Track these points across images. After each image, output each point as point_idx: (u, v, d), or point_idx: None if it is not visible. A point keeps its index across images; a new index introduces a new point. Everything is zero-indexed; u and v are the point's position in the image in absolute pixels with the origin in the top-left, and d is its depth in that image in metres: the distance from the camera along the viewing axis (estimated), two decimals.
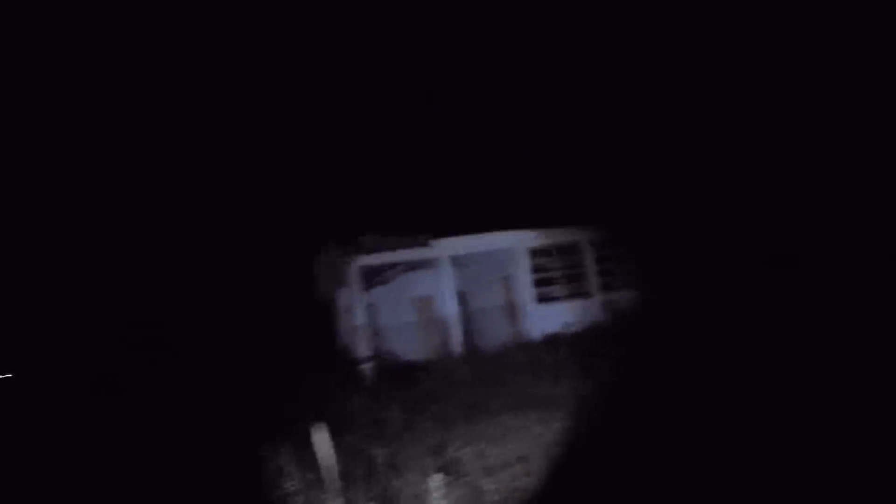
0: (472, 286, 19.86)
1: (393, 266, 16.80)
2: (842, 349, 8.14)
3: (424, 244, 15.49)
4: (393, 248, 15.05)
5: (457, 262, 17.42)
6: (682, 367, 9.19)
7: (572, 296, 16.91)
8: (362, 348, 14.67)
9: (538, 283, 16.74)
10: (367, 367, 14.43)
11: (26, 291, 21.58)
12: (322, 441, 7.08)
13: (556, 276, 17.11)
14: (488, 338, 18.27)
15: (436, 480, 6.36)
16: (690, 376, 8.62)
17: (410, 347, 18.23)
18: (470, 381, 12.26)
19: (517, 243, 16.52)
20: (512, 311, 17.57)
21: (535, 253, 16.83)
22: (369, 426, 10.16)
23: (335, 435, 9.76)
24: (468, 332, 19.39)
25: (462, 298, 19.54)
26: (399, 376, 13.74)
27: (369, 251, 14.83)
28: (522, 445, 7.76)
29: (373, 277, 17.33)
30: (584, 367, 10.80)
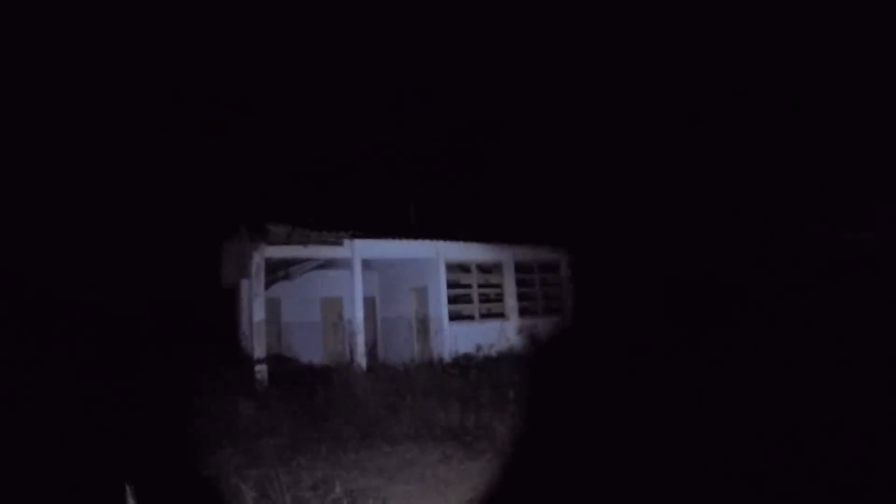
0: (384, 294, 18.81)
1: (302, 262, 15.56)
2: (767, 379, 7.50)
3: (337, 242, 14.30)
4: (303, 243, 13.79)
5: (370, 266, 16.32)
6: (597, 403, 8.40)
7: (488, 316, 16.03)
8: (258, 348, 13.35)
9: (454, 300, 15.78)
10: (260, 370, 13.13)
11: None
12: None
13: (472, 293, 16.21)
14: (396, 350, 17.26)
15: None
16: (606, 412, 7.82)
17: (313, 350, 17.04)
18: (370, 398, 11.15)
19: (436, 254, 15.51)
20: (424, 325, 16.58)
21: (454, 267, 15.87)
22: (248, 441, 9.00)
23: (206, 450, 8.66)
24: (375, 342, 18.30)
25: (372, 306, 18.46)
26: (296, 382, 12.57)
27: (277, 242, 13.53)
28: (421, 487, 6.72)
29: (278, 271, 16.04)
30: (493, 396, 9.83)
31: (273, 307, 17.83)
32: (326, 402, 11.09)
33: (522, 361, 12.93)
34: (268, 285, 16.96)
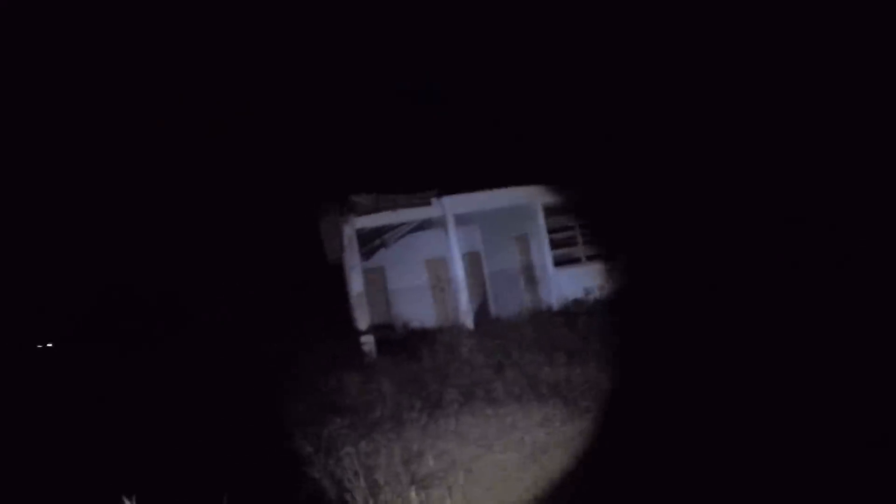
0: (489, 247, 18.29)
1: (396, 227, 15.23)
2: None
3: (426, 202, 13.82)
4: (391, 208, 13.41)
5: (466, 220, 15.79)
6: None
7: (594, 258, 15.17)
8: (362, 319, 13.18)
9: (556, 245, 15.01)
10: (367, 340, 12.97)
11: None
12: None
13: (575, 236, 15.37)
14: (506, 303, 16.75)
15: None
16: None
17: (422, 313, 16.77)
18: (475, 359, 10.74)
19: (531, 200, 14.75)
20: (529, 274, 15.96)
21: (552, 211, 15.06)
22: (352, 414, 8.80)
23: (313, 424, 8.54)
24: (481, 298, 17.87)
25: (475, 261, 18.00)
26: (404, 349, 12.33)
27: (364, 212, 13.21)
28: (518, 455, 6.21)
29: (374, 240, 15.80)
30: (600, 346, 9.14)
31: (378, 276, 17.70)
32: (431, 367, 10.76)
33: (629, 304, 12.07)
34: (367, 255, 16.82)
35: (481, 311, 17.33)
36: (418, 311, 16.94)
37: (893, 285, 5.51)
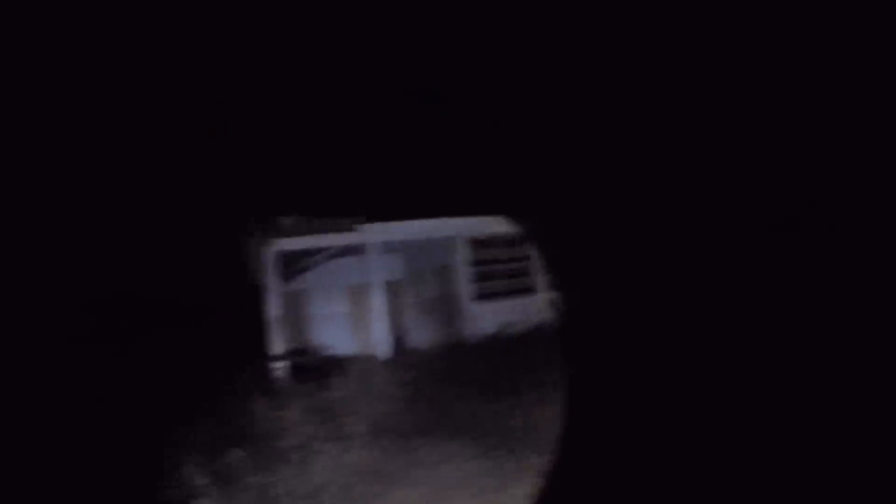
0: (411, 276, 18.18)
1: (319, 251, 14.99)
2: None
3: (349, 228, 13.67)
4: (314, 231, 13.20)
5: (390, 249, 15.68)
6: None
7: (514, 292, 15.27)
8: (277, 343, 12.86)
9: (477, 278, 15.05)
10: (279, 366, 12.65)
11: None
12: None
13: (498, 269, 15.46)
14: (422, 335, 16.63)
15: None
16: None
17: (341, 340, 16.50)
18: (388, 390, 10.59)
19: (455, 232, 14.78)
20: (449, 306, 15.91)
21: (476, 243, 15.12)
22: (256, 442, 8.51)
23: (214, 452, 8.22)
24: (401, 328, 17.72)
25: (397, 290, 17.85)
26: (317, 375, 12.06)
27: (287, 234, 12.96)
28: (419, 492, 6.08)
29: (297, 262, 15.51)
30: (513, 383, 9.13)
31: (299, 300, 17.35)
32: (343, 397, 10.55)
33: (549, 337, 12.15)
34: (290, 277, 16.47)
35: (400, 342, 17.15)
36: (338, 338, 16.67)
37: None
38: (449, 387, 9.75)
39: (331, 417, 9.41)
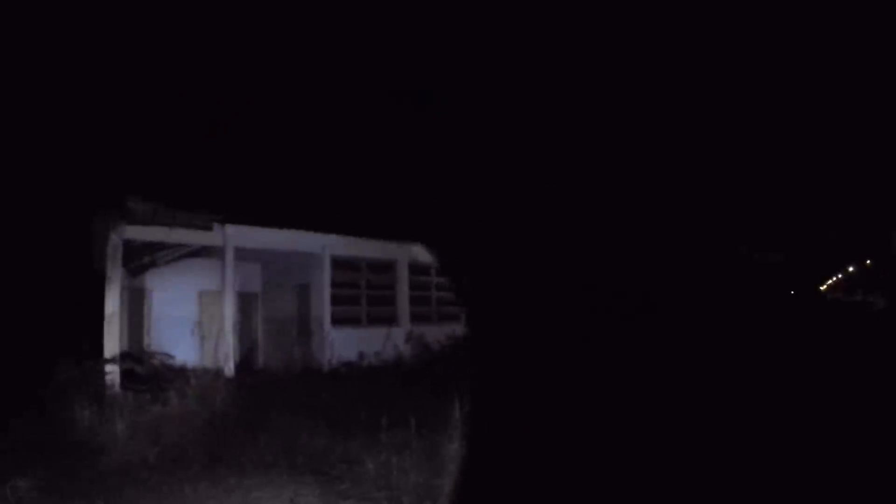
0: (268, 290, 17.21)
1: (171, 247, 13.79)
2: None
3: (206, 227, 12.64)
4: (168, 224, 12.05)
5: (248, 256, 14.73)
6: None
7: (376, 320, 14.71)
8: (111, 343, 11.58)
9: (339, 301, 14.37)
10: (111, 370, 11.37)
11: None
12: None
13: (360, 294, 14.86)
14: (273, 354, 15.72)
15: None
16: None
17: (185, 348, 15.23)
18: (231, 412, 9.70)
19: (321, 248, 14.06)
20: (305, 327, 15.11)
21: (342, 264, 14.47)
22: (71, 461, 7.44)
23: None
24: (251, 343, 16.71)
25: (251, 302, 16.86)
26: (154, 386, 10.91)
27: (138, 221, 11.74)
28: None
29: (143, 256, 14.20)
30: (369, 417, 8.51)
31: (142, 298, 15.94)
32: (179, 415, 9.56)
33: (408, 373, 11.69)
34: (135, 272, 15.12)
35: (248, 358, 16.14)
36: (181, 346, 15.41)
37: None
38: (298, 416, 8.99)
39: (163, 437, 8.46)
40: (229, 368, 12.50)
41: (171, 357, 14.04)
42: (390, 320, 14.81)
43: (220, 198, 12.44)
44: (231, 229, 12.91)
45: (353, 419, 8.66)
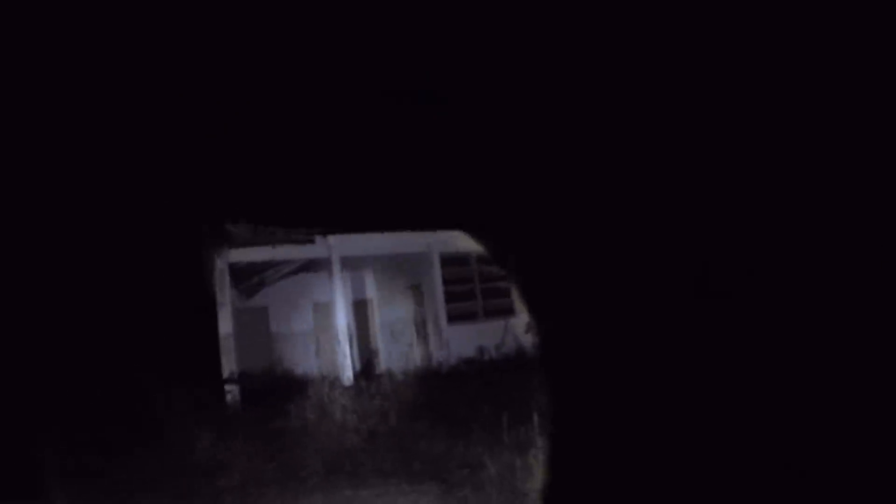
0: (382, 294, 17.00)
1: (278, 264, 13.77)
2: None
3: (308, 240, 12.47)
4: (270, 243, 11.98)
5: (358, 265, 14.52)
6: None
7: (493, 314, 14.12)
8: (228, 363, 11.60)
9: (452, 298, 13.88)
10: (230, 389, 11.37)
11: None
12: None
13: (474, 289, 14.32)
14: (391, 358, 15.45)
15: None
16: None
17: (305, 361, 15.23)
18: (349, 420, 9.38)
19: (428, 247, 13.62)
20: (421, 328, 14.74)
21: (451, 260, 13.98)
22: (192, 481, 7.31)
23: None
24: (369, 350, 16.54)
25: (365, 309, 16.70)
26: (273, 400, 10.79)
27: (240, 244, 11.74)
28: None
29: (252, 276, 14.27)
30: (490, 417, 7.93)
31: (260, 317, 16.11)
32: (298, 427, 9.33)
33: (529, 365, 10.99)
34: (249, 293, 15.27)
35: (368, 364, 15.98)
36: (301, 359, 15.43)
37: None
38: (417, 421, 8.55)
39: (281, 451, 8.23)
40: (347, 377, 12.24)
41: (290, 371, 14.03)
42: (507, 312, 14.17)
43: (318, 210, 12.24)
44: (334, 240, 12.71)
45: (474, 419, 8.13)
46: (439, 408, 9.21)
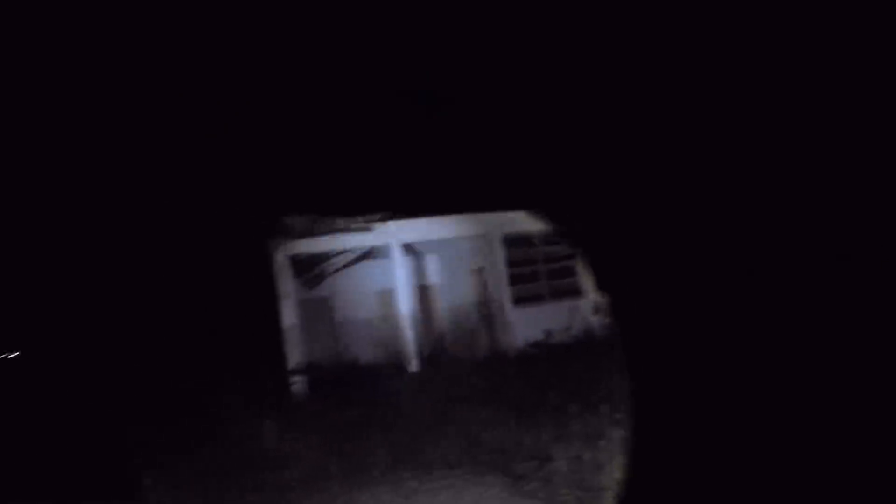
0: (446, 279, 16.76)
1: (339, 254, 13.67)
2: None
3: (367, 228, 12.29)
4: (329, 232, 11.86)
5: (419, 250, 14.30)
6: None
7: (559, 295, 13.71)
8: (293, 354, 11.57)
9: (516, 280, 13.52)
10: (296, 381, 11.35)
11: None
12: None
13: (539, 270, 13.92)
14: (458, 343, 15.21)
15: None
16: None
17: (371, 349, 15.13)
18: (415, 410, 9.21)
19: (489, 229, 13.27)
20: (486, 311, 14.43)
21: (514, 241, 13.60)
22: (256, 473, 7.27)
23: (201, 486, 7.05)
24: (436, 335, 16.33)
25: (430, 295, 16.48)
26: (340, 390, 10.73)
27: (299, 235, 11.66)
28: None
29: (314, 267, 14.21)
30: (559, 404, 7.61)
31: (324, 307, 16.08)
32: (363, 417, 9.20)
33: (601, 349, 10.57)
34: (312, 283, 15.25)
35: (434, 351, 15.79)
36: (367, 348, 15.34)
37: None
38: (483, 408, 8.30)
39: (347, 441, 8.11)
40: (412, 364, 12.07)
41: (356, 360, 13.94)
42: (575, 292, 13.72)
43: (376, 197, 12.04)
44: (394, 226, 12.49)
45: (541, 407, 7.83)
46: (505, 395, 8.94)
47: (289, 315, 11.63)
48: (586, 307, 13.17)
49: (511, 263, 13.43)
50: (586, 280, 14.02)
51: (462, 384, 10.08)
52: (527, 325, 12.79)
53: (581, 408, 6.79)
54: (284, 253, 11.55)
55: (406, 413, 9.01)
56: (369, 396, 10.09)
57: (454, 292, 16.21)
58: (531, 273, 13.87)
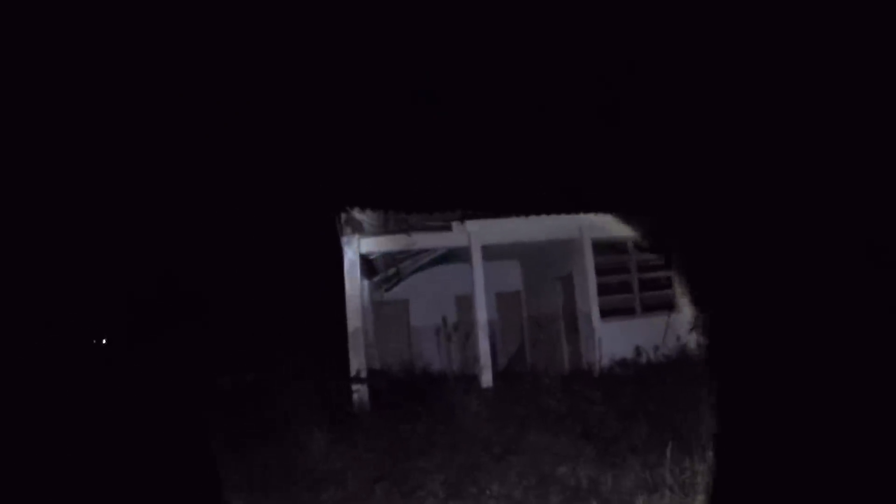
0: (530, 286, 15.77)
1: (414, 254, 12.86)
2: None
3: (445, 227, 11.38)
4: (402, 230, 11.03)
5: (503, 254, 13.36)
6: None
7: (652, 308, 12.44)
8: (356, 360, 10.82)
9: (606, 290, 12.34)
10: (357, 388, 10.58)
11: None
12: None
13: (631, 280, 12.69)
14: (539, 355, 14.18)
15: None
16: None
17: (445, 356, 14.31)
18: (482, 430, 8.25)
19: (579, 232, 12.15)
20: (571, 322, 13.29)
21: (605, 248, 12.45)
22: (297, 491, 6.55)
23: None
24: (517, 345, 15.35)
25: (513, 302, 15.55)
26: (406, 400, 9.89)
27: (370, 232, 10.89)
28: None
29: (388, 267, 13.45)
30: (648, 438, 6.48)
31: (400, 310, 15.39)
32: (424, 435, 8.31)
33: (696, 370, 9.29)
34: (389, 285, 14.58)
35: (514, 362, 14.81)
36: (441, 355, 14.51)
37: None
38: (560, 437, 7.25)
39: (402, 462, 7.26)
40: (486, 378, 11.11)
41: (428, 368, 13.10)
42: (669, 306, 12.42)
43: (454, 193, 11.17)
44: (473, 226, 11.54)
45: (627, 440, 6.71)
46: (587, 421, 7.86)
47: (354, 318, 10.86)
48: (681, 324, 11.87)
49: (600, 272, 12.25)
50: (682, 294, 12.72)
51: (538, 405, 9.05)
52: (614, 341, 11.63)
53: (674, 442, 5.65)
54: (355, 251, 10.78)
55: (472, 435, 8.05)
56: (435, 411, 9.19)
57: (537, 300, 15.20)
58: (621, 283, 12.67)
